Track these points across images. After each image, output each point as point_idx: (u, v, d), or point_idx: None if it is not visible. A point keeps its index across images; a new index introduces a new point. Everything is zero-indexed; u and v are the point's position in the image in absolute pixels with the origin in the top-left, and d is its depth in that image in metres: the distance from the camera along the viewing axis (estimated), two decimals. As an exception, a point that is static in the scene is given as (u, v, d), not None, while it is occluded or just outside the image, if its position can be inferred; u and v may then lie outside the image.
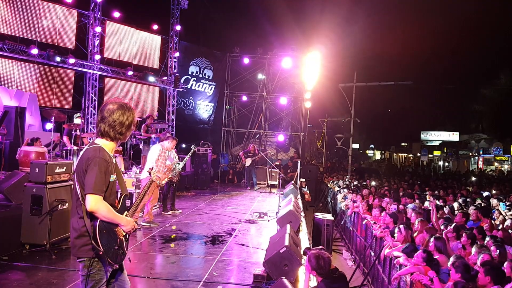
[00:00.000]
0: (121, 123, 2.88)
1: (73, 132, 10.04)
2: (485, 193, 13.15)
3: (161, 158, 7.89)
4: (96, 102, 15.05)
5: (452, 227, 6.39)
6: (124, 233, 2.93)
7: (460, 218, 7.62)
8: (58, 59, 13.06)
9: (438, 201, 10.42)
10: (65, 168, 6.39)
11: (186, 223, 8.26)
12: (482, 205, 9.70)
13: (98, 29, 14.72)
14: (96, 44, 14.85)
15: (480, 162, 45.11)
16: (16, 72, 12.87)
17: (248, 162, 14.76)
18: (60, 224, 5.94)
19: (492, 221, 7.79)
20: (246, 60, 19.78)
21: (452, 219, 7.72)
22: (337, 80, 28.16)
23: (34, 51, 12.43)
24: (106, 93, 15.90)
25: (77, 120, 10.37)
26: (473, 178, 26.95)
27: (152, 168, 3.59)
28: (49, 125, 10.76)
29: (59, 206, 5.91)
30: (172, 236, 7.19)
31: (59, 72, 14.19)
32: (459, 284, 4.18)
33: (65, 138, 10.33)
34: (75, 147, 9.88)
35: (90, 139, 9.57)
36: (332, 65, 23.79)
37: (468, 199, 11.03)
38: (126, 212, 3.00)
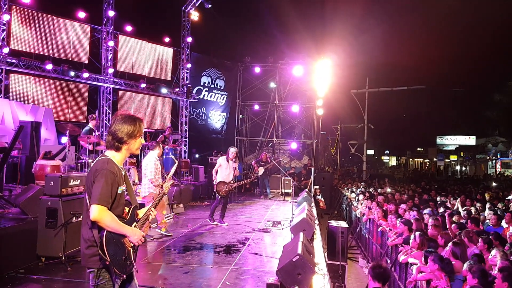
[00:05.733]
0: (120, 130, 2.95)
1: (88, 146, 10.13)
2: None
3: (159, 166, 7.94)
4: (110, 114, 15.27)
5: (464, 233, 6.27)
6: (132, 244, 2.94)
7: (470, 224, 7.48)
8: (72, 73, 13.34)
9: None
10: (79, 180, 6.46)
11: (200, 233, 8.26)
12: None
13: (111, 43, 14.99)
14: (109, 58, 15.12)
15: (498, 166, 44.28)
16: (32, 88, 13.14)
17: (260, 171, 14.73)
18: (75, 236, 5.99)
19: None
20: (257, 69, 19.92)
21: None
22: (349, 86, 28.14)
23: (49, 66, 12.69)
24: (120, 106, 16.11)
25: (92, 122, 10.46)
26: (494, 184, 26.44)
27: (165, 181, 3.58)
28: (64, 139, 10.92)
29: (74, 218, 5.97)
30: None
31: (73, 86, 14.44)
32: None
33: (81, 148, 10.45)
34: (90, 160, 9.99)
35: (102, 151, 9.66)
36: (343, 72, 23.77)
37: (487, 204, 10.82)
38: (135, 224, 3.02)
